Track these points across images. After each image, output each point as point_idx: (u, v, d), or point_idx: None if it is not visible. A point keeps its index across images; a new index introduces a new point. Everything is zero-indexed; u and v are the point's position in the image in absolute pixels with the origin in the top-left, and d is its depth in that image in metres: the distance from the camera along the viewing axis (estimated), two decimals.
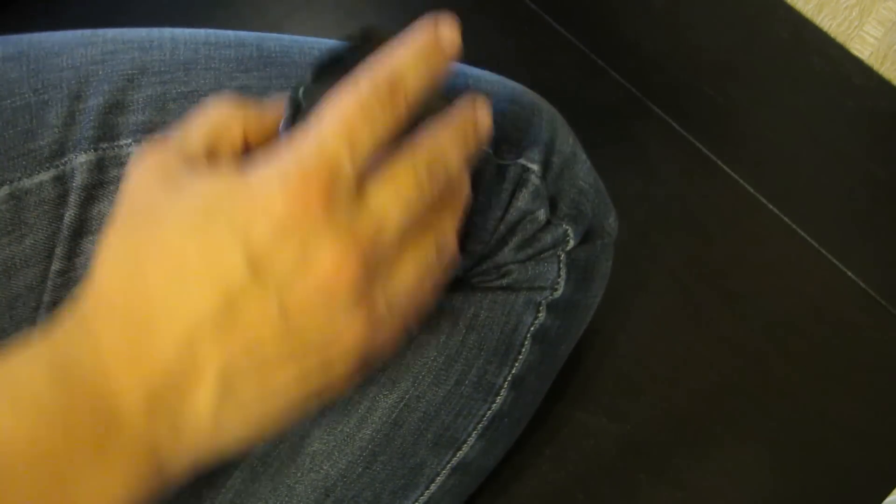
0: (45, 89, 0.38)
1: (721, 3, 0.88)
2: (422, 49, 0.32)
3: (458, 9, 0.91)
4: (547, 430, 0.64)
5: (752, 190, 0.77)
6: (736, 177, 0.77)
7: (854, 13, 0.84)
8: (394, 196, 0.30)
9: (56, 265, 0.36)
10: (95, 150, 0.37)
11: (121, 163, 0.37)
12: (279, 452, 0.42)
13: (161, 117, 0.38)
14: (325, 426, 0.42)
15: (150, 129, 0.38)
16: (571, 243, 0.45)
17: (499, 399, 0.46)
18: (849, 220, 0.76)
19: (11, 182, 0.36)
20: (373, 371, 0.38)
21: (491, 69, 0.48)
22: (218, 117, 0.33)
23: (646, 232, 0.74)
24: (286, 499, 0.43)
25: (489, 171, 0.43)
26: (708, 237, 0.74)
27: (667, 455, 0.64)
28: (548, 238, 0.45)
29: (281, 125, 0.34)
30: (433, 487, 0.46)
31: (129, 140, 0.37)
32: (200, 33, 0.42)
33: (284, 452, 0.42)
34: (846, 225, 0.76)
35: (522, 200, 0.43)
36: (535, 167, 0.44)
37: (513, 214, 0.43)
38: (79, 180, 0.37)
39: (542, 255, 0.45)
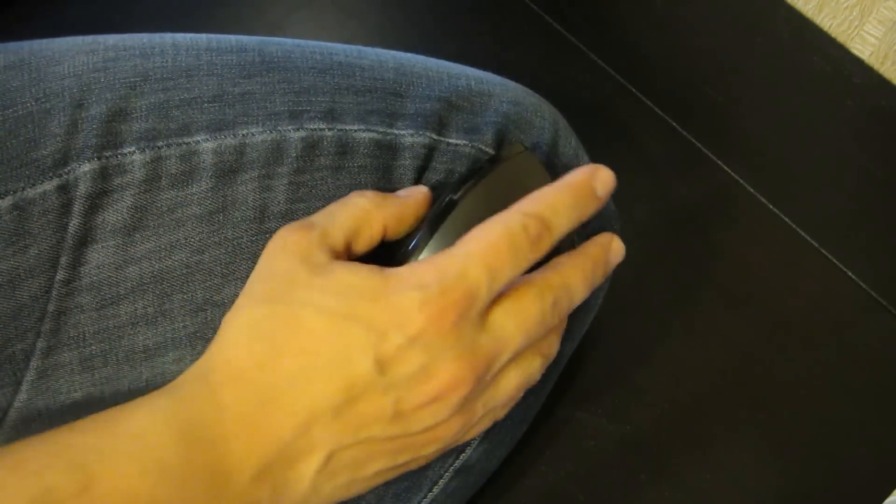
0: (46, 98, 0.37)
1: (721, 3, 0.88)
2: (577, 193, 0.35)
3: (459, 10, 0.92)
4: (547, 431, 0.64)
5: (752, 190, 0.77)
6: (736, 177, 0.77)
7: (855, 13, 0.84)
8: (517, 324, 0.33)
9: (60, 275, 0.36)
10: (99, 158, 0.37)
11: (124, 171, 0.37)
12: None
13: (164, 124, 0.38)
14: None
15: (153, 136, 0.38)
16: (574, 246, 0.45)
17: None
18: (849, 220, 0.76)
19: (15, 192, 0.36)
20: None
21: (492, 70, 0.48)
22: (361, 213, 0.36)
23: (646, 232, 0.74)
24: None
25: None
26: (708, 237, 0.74)
27: (667, 455, 0.64)
28: None
29: (425, 224, 0.37)
30: (436, 490, 0.46)
31: (133, 148, 0.37)
32: (202, 39, 0.42)
33: None
34: (846, 225, 0.76)
35: None
36: None
37: None
38: (82, 189, 0.36)
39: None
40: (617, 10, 0.87)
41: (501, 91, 0.45)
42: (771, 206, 0.76)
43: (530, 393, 0.48)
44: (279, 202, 0.38)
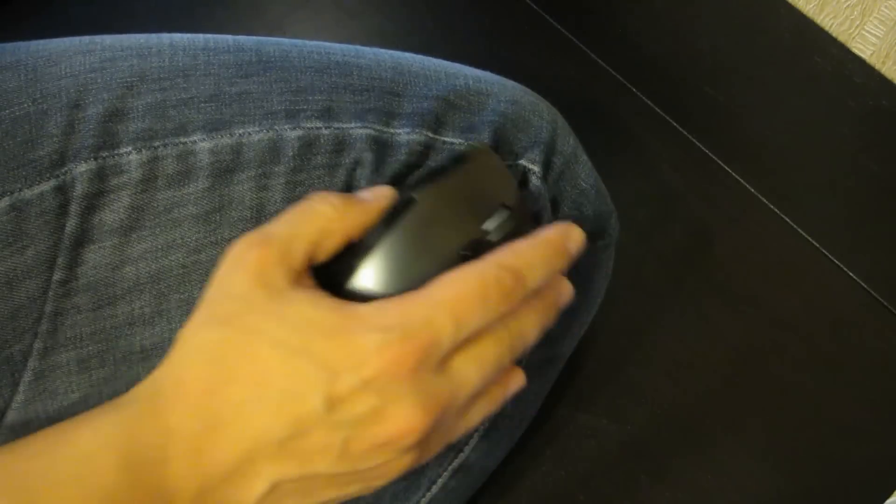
0: (43, 98, 0.37)
1: (722, 3, 0.88)
2: (553, 250, 0.35)
3: (458, 9, 0.92)
4: (547, 431, 0.64)
5: (752, 190, 0.77)
6: (736, 177, 0.77)
7: (856, 12, 0.84)
8: (477, 368, 0.33)
9: (58, 275, 0.36)
10: (96, 158, 0.37)
11: (121, 171, 0.37)
12: None
13: (161, 124, 0.38)
14: None
15: (150, 136, 0.38)
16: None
17: None
18: (849, 220, 0.76)
19: (12, 193, 0.36)
20: None
21: (491, 69, 0.48)
22: (323, 223, 0.34)
23: (646, 232, 0.74)
24: None
25: None
26: (708, 237, 0.74)
27: (667, 455, 0.64)
28: None
29: (381, 221, 0.36)
30: (434, 489, 0.46)
31: (130, 148, 0.37)
32: (199, 39, 0.42)
33: None
34: (846, 225, 0.76)
35: None
36: (536, 168, 0.43)
37: None
38: (79, 190, 0.36)
39: None
40: (617, 9, 0.87)
41: (500, 90, 0.45)
42: (771, 206, 0.76)
43: (530, 392, 0.48)
44: (276, 201, 0.38)
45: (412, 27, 0.84)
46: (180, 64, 0.40)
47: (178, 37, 0.41)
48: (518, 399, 0.47)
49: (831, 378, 0.68)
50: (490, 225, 0.36)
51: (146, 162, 0.37)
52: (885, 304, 0.72)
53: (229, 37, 0.43)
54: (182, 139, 0.38)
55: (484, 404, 0.35)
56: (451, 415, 0.33)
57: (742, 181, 0.77)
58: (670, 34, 0.86)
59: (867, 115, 0.82)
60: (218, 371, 0.31)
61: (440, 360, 0.31)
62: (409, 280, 0.34)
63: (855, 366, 0.69)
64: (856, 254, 0.74)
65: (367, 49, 0.45)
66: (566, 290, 0.37)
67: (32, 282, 0.36)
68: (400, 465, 0.33)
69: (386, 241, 0.35)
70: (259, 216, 0.38)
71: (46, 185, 0.37)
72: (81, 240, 0.36)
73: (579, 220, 0.46)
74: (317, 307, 0.31)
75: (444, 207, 0.36)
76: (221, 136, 0.38)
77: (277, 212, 0.38)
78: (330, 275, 0.35)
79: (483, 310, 0.32)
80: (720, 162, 0.78)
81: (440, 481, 0.46)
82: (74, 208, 0.36)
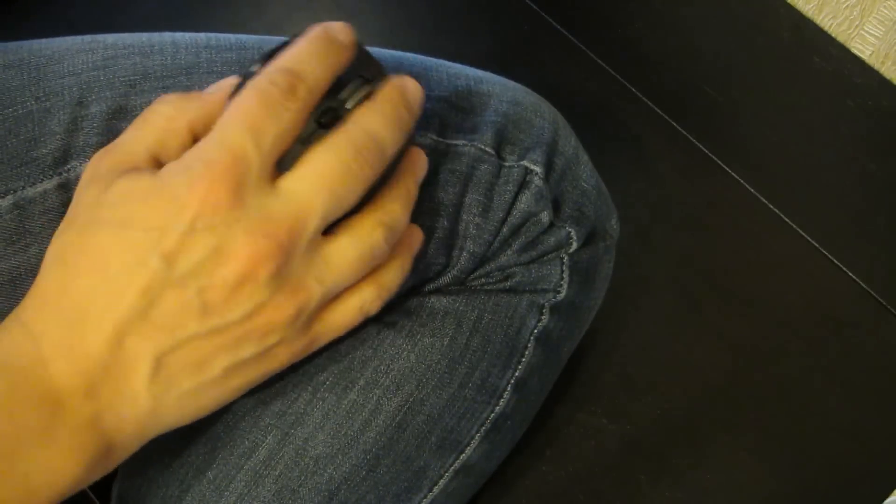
0: (46, 97, 0.37)
1: (721, 3, 0.88)
2: (318, 42, 0.33)
3: (459, 10, 0.92)
4: (547, 431, 0.64)
5: (752, 190, 0.77)
6: (736, 177, 0.77)
7: (855, 12, 0.84)
8: (312, 183, 0.31)
9: None
10: None
11: None
12: (282, 456, 0.42)
13: None
14: (328, 430, 0.42)
15: None
16: (574, 245, 0.45)
17: (502, 402, 0.46)
18: (849, 219, 0.76)
19: (15, 191, 0.36)
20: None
21: (491, 70, 0.48)
22: (163, 122, 0.34)
23: (646, 232, 0.74)
24: (290, 502, 0.43)
25: (492, 173, 0.43)
26: (708, 237, 0.74)
27: (667, 455, 0.64)
28: (551, 240, 0.45)
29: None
30: (436, 490, 0.46)
31: None
32: (201, 37, 0.42)
33: (288, 456, 0.42)
34: (846, 225, 0.76)
35: (525, 202, 0.43)
36: (537, 169, 0.44)
37: (516, 217, 0.43)
38: None
39: (545, 258, 0.45)
40: (617, 9, 0.87)
41: (501, 91, 0.46)
42: (771, 206, 0.76)
43: (530, 393, 0.49)
44: None
45: (412, 28, 0.84)
46: (183, 62, 0.40)
47: (180, 35, 0.41)
48: (519, 399, 0.47)
49: (831, 378, 0.68)
50: (345, 94, 0.34)
51: None
52: (885, 304, 0.72)
53: (231, 35, 0.43)
54: None
55: (357, 233, 0.34)
56: (307, 240, 0.32)
57: (742, 181, 0.77)
58: (670, 34, 0.86)
59: (867, 115, 0.82)
60: (65, 270, 0.31)
61: (261, 178, 0.31)
62: None
63: (855, 366, 0.69)
64: (855, 254, 0.74)
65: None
66: (411, 87, 0.35)
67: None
68: (279, 312, 0.32)
69: None
70: None
71: (50, 183, 0.37)
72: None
73: (582, 222, 0.46)
74: (130, 180, 0.32)
75: None
76: None
77: None
78: None
79: (271, 111, 0.31)
80: (720, 162, 0.78)
81: (441, 482, 0.46)
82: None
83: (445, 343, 0.43)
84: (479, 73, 0.47)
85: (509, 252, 0.44)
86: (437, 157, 0.42)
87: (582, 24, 0.85)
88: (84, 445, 0.31)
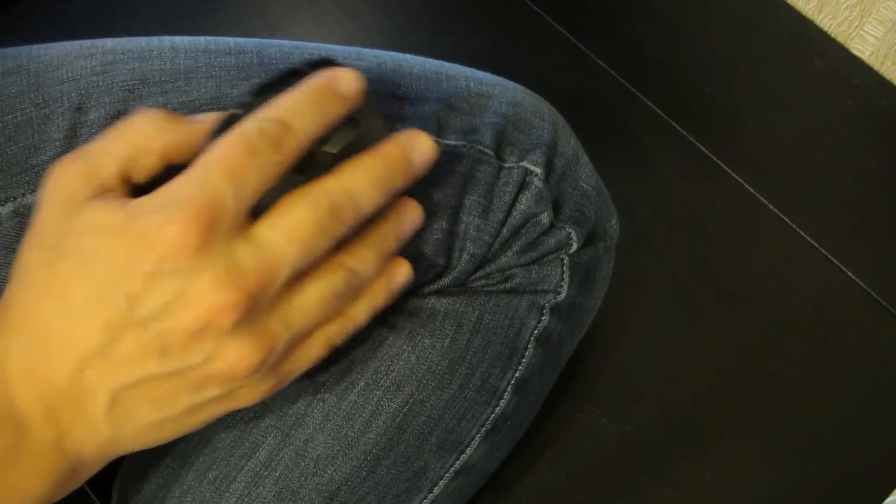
0: (45, 103, 0.37)
1: (721, 3, 0.88)
2: (316, 93, 0.32)
3: (458, 10, 0.92)
4: (547, 431, 0.64)
5: (752, 190, 0.77)
6: (736, 177, 0.77)
7: (855, 13, 0.84)
8: (286, 235, 0.31)
9: None
10: None
11: None
12: (283, 457, 0.42)
13: None
14: (328, 431, 0.42)
15: None
16: (574, 246, 0.45)
17: (502, 402, 0.46)
18: (849, 220, 0.76)
19: (15, 199, 0.36)
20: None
21: (491, 70, 0.48)
22: (137, 137, 0.33)
23: (646, 232, 0.74)
24: (290, 503, 0.43)
25: (491, 174, 0.43)
26: (708, 237, 0.74)
27: (667, 455, 0.64)
28: (551, 241, 0.45)
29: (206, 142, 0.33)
30: (436, 491, 0.46)
31: None
32: (200, 41, 0.42)
33: (288, 457, 0.43)
34: (846, 225, 0.76)
35: (525, 204, 0.43)
36: (537, 170, 0.44)
37: (516, 218, 0.43)
38: None
39: (545, 259, 0.45)
40: (617, 10, 0.87)
41: (500, 92, 0.45)
42: (771, 206, 0.76)
43: (531, 394, 0.49)
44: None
45: (412, 28, 0.84)
46: (181, 67, 0.40)
47: (178, 39, 0.41)
48: (519, 400, 0.47)
49: (831, 378, 0.68)
50: (328, 136, 0.33)
51: None
52: (885, 304, 0.72)
53: (230, 39, 0.43)
54: None
55: (322, 281, 0.33)
56: (274, 290, 0.31)
57: (742, 181, 0.77)
58: (670, 34, 0.86)
59: (866, 116, 0.82)
60: (30, 292, 0.31)
61: (234, 226, 0.30)
62: None
63: (854, 365, 0.69)
64: (855, 254, 0.74)
65: (367, 51, 0.45)
66: (423, 145, 0.35)
67: None
68: (241, 357, 0.31)
69: None
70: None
71: None
72: None
73: (582, 223, 0.46)
74: (101, 210, 0.31)
75: None
76: None
77: None
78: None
79: (254, 160, 0.30)
80: (720, 162, 0.78)
81: (442, 483, 0.46)
82: None
83: (446, 344, 0.43)
84: (479, 73, 0.47)
85: (509, 253, 0.44)
86: (437, 159, 0.42)
87: (583, 25, 0.85)
88: (48, 467, 0.31)
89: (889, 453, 0.65)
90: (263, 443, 0.43)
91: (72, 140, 0.37)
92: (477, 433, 0.46)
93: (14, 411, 0.31)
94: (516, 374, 0.46)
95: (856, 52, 0.85)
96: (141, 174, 0.33)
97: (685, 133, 0.80)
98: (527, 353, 0.46)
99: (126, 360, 0.30)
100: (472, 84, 0.45)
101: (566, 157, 0.46)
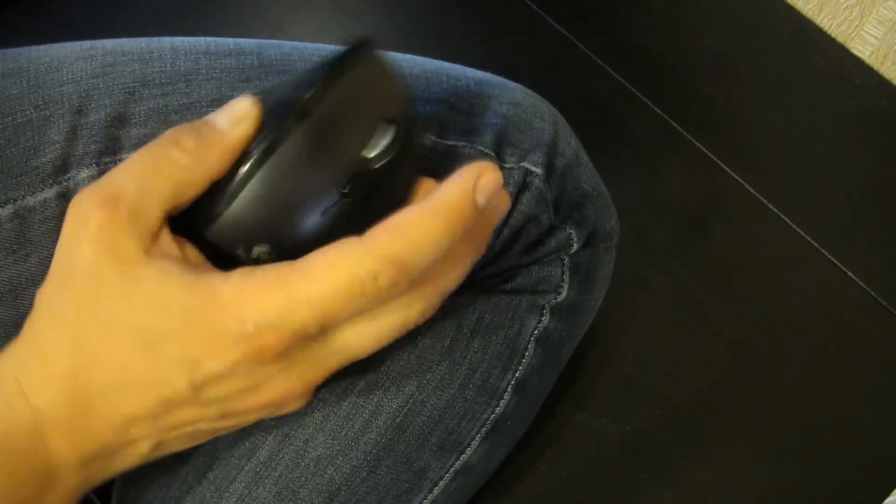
0: (45, 105, 0.37)
1: (721, 3, 0.88)
2: (452, 220, 0.29)
3: (458, 10, 0.92)
4: (547, 431, 0.64)
5: (752, 190, 0.77)
6: (736, 177, 0.77)
7: (854, 13, 0.84)
8: (370, 340, 0.31)
9: None
10: (98, 164, 0.37)
11: None
12: (283, 457, 0.42)
13: (163, 129, 0.38)
14: (328, 431, 0.43)
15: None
16: (575, 247, 0.45)
17: (502, 402, 0.46)
18: (849, 220, 0.76)
19: (15, 201, 0.36)
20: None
21: (491, 70, 0.48)
22: (178, 173, 0.31)
23: (646, 232, 0.74)
24: (290, 503, 0.43)
25: None
26: (708, 237, 0.74)
27: (667, 455, 0.64)
28: (551, 242, 0.45)
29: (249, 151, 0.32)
30: (436, 491, 0.46)
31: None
32: (200, 42, 0.42)
33: (288, 457, 0.43)
34: (846, 225, 0.76)
35: (526, 204, 0.43)
36: (538, 170, 0.44)
37: (516, 218, 0.43)
38: None
39: (545, 259, 0.45)
40: (617, 9, 0.87)
41: (501, 92, 0.45)
42: (771, 206, 0.76)
43: (531, 394, 0.49)
44: None
45: (412, 28, 0.84)
46: (182, 68, 0.39)
47: (179, 41, 0.41)
48: (519, 400, 0.47)
49: (831, 378, 0.68)
50: (371, 151, 0.31)
51: None
52: (885, 304, 0.72)
53: (230, 40, 0.42)
54: None
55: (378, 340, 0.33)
56: (345, 363, 0.32)
57: (742, 181, 0.77)
58: (670, 35, 0.86)
59: (866, 116, 0.82)
60: (79, 355, 0.30)
61: (314, 339, 0.30)
62: (281, 233, 0.31)
63: (855, 365, 0.69)
64: (855, 254, 0.74)
65: None
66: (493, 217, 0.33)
67: (37, 289, 0.36)
68: (298, 404, 0.33)
69: (254, 185, 0.31)
70: None
71: (49, 192, 0.36)
72: None
73: (582, 223, 0.46)
74: (171, 288, 0.29)
75: (320, 136, 0.31)
76: None
77: None
78: (193, 218, 0.32)
79: (355, 306, 0.29)
80: (720, 162, 0.78)
81: (442, 483, 0.46)
82: None
83: (446, 344, 0.43)
84: (479, 74, 0.47)
85: (510, 254, 0.44)
86: (437, 159, 0.42)
87: (582, 25, 0.85)
88: (65, 502, 0.32)
89: (889, 453, 0.65)
90: (263, 443, 0.43)
91: (72, 142, 0.37)
92: (477, 433, 0.46)
93: (47, 462, 0.30)
94: (516, 375, 0.46)
95: (856, 52, 0.86)
96: (183, 206, 0.32)
97: (685, 133, 0.80)
98: (527, 354, 0.46)
99: (179, 423, 0.31)
100: (472, 84, 0.45)
101: (566, 158, 0.46)
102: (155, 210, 0.30)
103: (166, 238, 0.31)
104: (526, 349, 0.46)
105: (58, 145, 0.37)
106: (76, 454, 0.31)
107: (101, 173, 0.37)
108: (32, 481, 0.30)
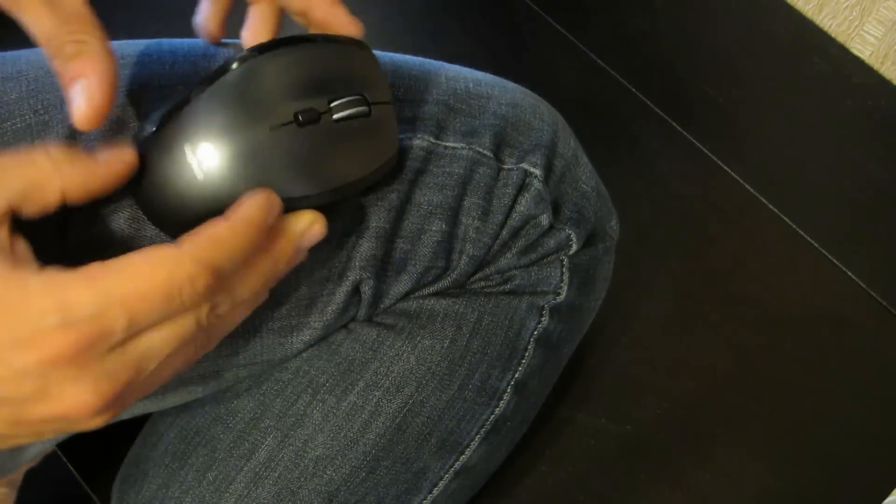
0: (45, 110, 0.37)
1: (721, 3, 0.88)
2: (257, 228, 0.31)
3: (459, 9, 0.92)
4: (547, 431, 0.64)
5: (752, 190, 0.77)
6: (736, 177, 0.77)
7: (854, 13, 0.84)
8: (165, 343, 0.30)
9: None
10: None
11: None
12: (282, 457, 0.43)
13: None
14: (328, 431, 0.43)
15: None
16: (574, 248, 0.45)
17: (502, 403, 0.46)
18: (849, 220, 0.76)
19: None
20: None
21: (491, 70, 0.48)
22: (34, 176, 0.30)
23: (646, 232, 0.74)
24: (289, 503, 0.43)
25: (491, 176, 0.43)
26: (708, 237, 0.74)
27: (667, 455, 0.64)
28: (551, 243, 0.45)
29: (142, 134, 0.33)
30: (436, 491, 0.46)
31: None
32: (199, 45, 0.42)
33: (288, 457, 0.43)
34: (846, 225, 0.76)
35: (525, 205, 0.43)
36: (537, 171, 0.44)
37: (515, 219, 0.43)
38: None
39: (545, 260, 0.45)
40: (617, 10, 0.87)
41: (500, 93, 0.45)
42: (771, 206, 0.76)
43: (530, 395, 0.49)
44: None
45: (411, 29, 0.84)
46: (180, 71, 0.39)
47: (178, 42, 0.41)
48: (519, 401, 0.47)
49: (831, 378, 0.68)
50: (331, 103, 0.33)
51: None
52: (885, 304, 0.72)
53: (229, 41, 0.43)
54: None
55: (180, 355, 0.32)
56: (139, 379, 0.30)
57: (742, 181, 0.77)
58: (670, 34, 0.86)
59: (866, 115, 0.82)
60: None
61: (113, 344, 0.29)
62: (229, 135, 0.32)
63: (855, 366, 0.69)
64: (855, 254, 0.74)
65: None
66: (311, 232, 0.34)
67: None
68: (91, 424, 0.30)
69: (208, 94, 0.33)
70: None
71: None
72: (84, 251, 0.36)
73: (581, 224, 0.46)
74: None
75: (286, 67, 0.33)
76: None
77: None
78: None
79: (167, 306, 0.29)
80: (720, 162, 0.78)
81: (441, 483, 0.46)
82: (77, 219, 0.36)
83: (445, 345, 0.43)
84: (478, 74, 0.47)
85: (509, 255, 0.44)
86: (435, 161, 0.42)
87: (582, 25, 0.85)
88: None
89: (889, 453, 0.65)
90: (263, 443, 0.43)
91: (71, 147, 0.37)
92: (477, 434, 0.46)
93: None
94: (516, 375, 0.46)
95: (856, 52, 0.85)
96: (31, 212, 0.31)
97: (685, 133, 0.80)
98: (526, 354, 0.46)
99: None
100: (471, 85, 0.45)
101: (566, 159, 0.46)
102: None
103: (2, 232, 0.30)
104: (525, 350, 0.46)
105: None
106: None
107: None
108: None
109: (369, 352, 0.43)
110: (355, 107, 0.34)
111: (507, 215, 0.43)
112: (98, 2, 0.34)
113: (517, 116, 0.45)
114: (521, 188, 0.43)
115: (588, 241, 0.47)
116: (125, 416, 0.43)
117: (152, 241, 0.36)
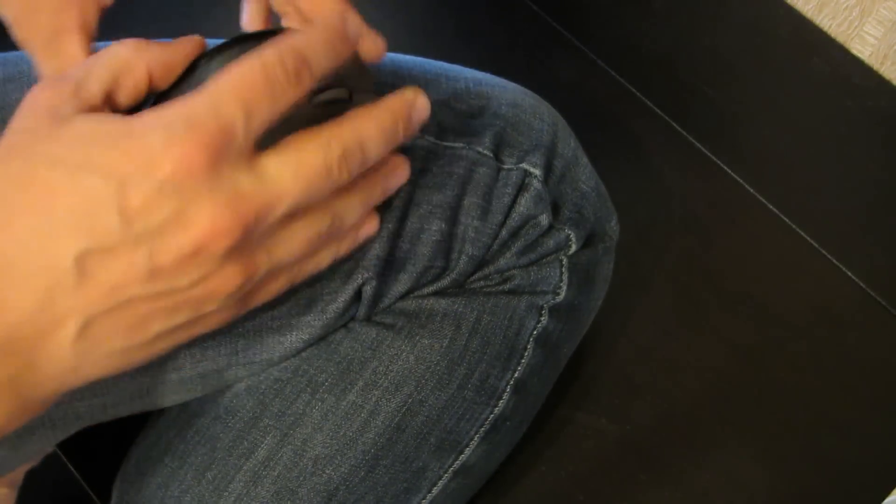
0: None
1: (721, 3, 0.88)
2: (332, 34, 0.32)
3: (459, 9, 0.92)
4: (547, 431, 0.64)
5: (752, 190, 0.77)
6: (736, 177, 0.77)
7: (854, 13, 0.84)
8: (294, 173, 0.30)
9: None
10: None
11: None
12: (281, 457, 0.43)
13: None
14: (327, 430, 0.43)
15: None
16: (574, 248, 0.45)
17: (501, 403, 0.46)
18: (849, 220, 0.76)
19: None
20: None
21: (491, 70, 0.48)
22: (119, 60, 0.32)
23: (646, 232, 0.74)
24: (289, 503, 0.43)
25: (490, 176, 0.43)
26: (708, 237, 0.74)
27: (667, 455, 0.64)
28: (550, 243, 0.45)
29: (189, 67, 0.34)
30: (435, 491, 0.46)
31: None
32: None
33: (287, 457, 0.43)
34: (846, 225, 0.76)
35: (524, 205, 0.43)
36: (536, 172, 0.44)
37: (515, 219, 0.43)
38: None
39: (544, 260, 0.45)
40: (617, 10, 0.87)
41: (500, 93, 0.46)
42: (771, 207, 0.76)
43: (530, 394, 0.49)
44: None
45: (412, 28, 0.84)
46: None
47: None
48: (518, 401, 0.47)
49: (831, 378, 0.68)
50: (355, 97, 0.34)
51: None
52: (885, 304, 0.72)
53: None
54: None
55: (310, 225, 0.33)
56: (269, 224, 0.31)
57: (742, 181, 0.77)
58: (670, 35, 0.86)
59: (866, 116, 0.82)
60: (4, 207, 0.28)
61: (242, 155, 0.29)
62: None
63: (854, 365, 0.69)
64: (855, 254, 0.74)
65: None
66: (421, 104, 0.35)
67: None
68: (225, 284, 0.30)
69: (190, 85, 0.33)
70: None
71: None
72: None
73: (581, 224, 0.46)
74: (96, 120, 0.29)
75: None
76: None
77: None
78: None
79: (271, 91, 0.29)
80: (720, 162, 0.78)
81: (441, 483, 0.46)
82: None
83: (444, 344, 0.43)
84: (478, 74, 0.47)
85: (508, 255, 0.44)
86: (435, 160, 0.42)
87: (582, 24, 0.85)
88: None
89: (889, 454, 0.65)
90: (262, 442, 0.43)
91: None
92: (476, 433, 0.46)
93: None
94: (515, 375, 0.46)
95: (856, 53, 0.85)
96: (125, 98, 0.32)
97: (685, 133, 0.80)
98: (526, 354, 0.46)
99: (108, 282, 0.28)
100: (471, 85, 0.45)
101: (565, 159, 0.46)
102: (95, 86, 0.31)
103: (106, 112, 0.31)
104: (525, 349, 0.46)
105: None
106: (2, 331, 0.28)
107: None
108: None
109: (368, 351, 0.43)
110: (338, 92, 0.34)
111: (507, 215, 0.43)
112: None
113: (517, 116, 0.45)
114: (521, 188, 0.43)
115: (587, 242, 0.47)
116: (124, 413, 0.43)
117: None
